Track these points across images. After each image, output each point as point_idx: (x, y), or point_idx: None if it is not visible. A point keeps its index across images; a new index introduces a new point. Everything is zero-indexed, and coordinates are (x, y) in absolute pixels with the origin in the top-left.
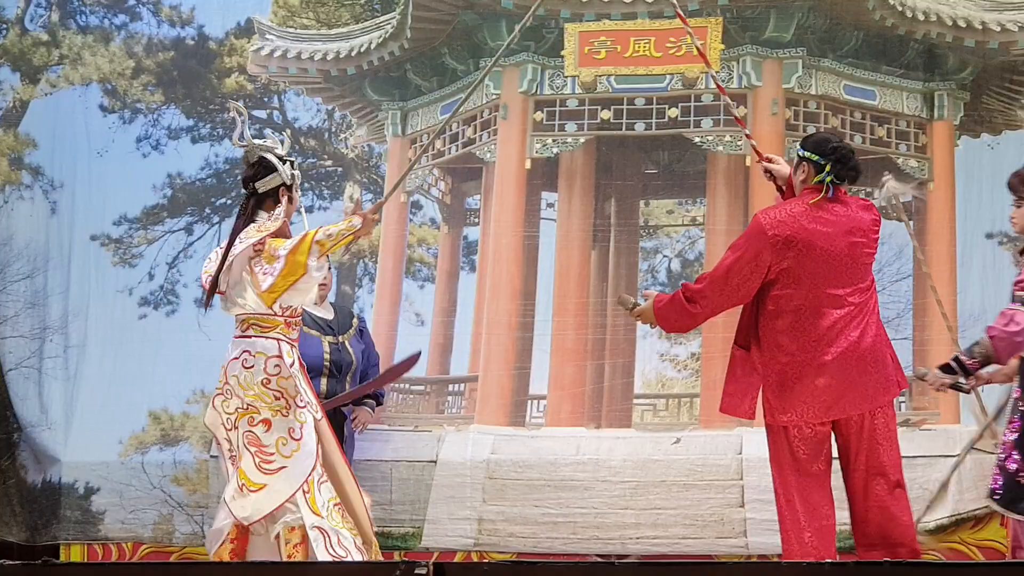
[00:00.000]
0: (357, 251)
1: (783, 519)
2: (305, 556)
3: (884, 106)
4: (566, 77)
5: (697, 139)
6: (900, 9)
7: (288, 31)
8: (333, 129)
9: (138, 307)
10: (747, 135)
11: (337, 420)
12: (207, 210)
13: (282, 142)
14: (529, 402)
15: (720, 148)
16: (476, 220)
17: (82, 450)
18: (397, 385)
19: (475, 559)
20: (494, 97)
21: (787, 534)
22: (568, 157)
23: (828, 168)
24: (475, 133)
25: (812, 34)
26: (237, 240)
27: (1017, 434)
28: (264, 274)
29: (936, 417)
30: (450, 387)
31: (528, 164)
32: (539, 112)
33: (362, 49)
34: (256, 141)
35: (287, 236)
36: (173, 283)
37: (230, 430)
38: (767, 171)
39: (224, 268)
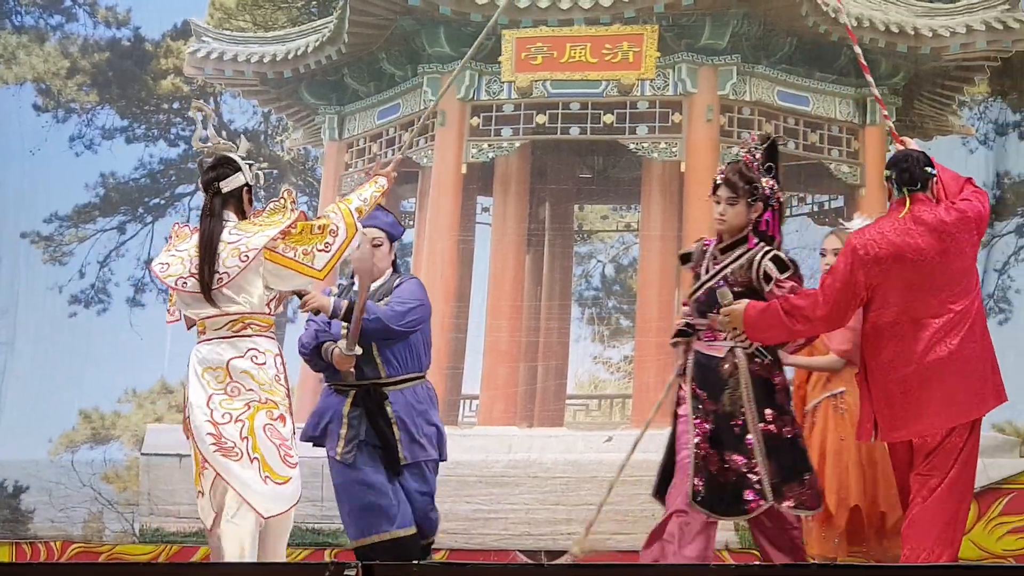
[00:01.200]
0: None
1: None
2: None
3: (817, 112)
4: (503, 82)
5: (632, 145)
6: (833, 15)
7: (224, 33)
8: (269, 132)
9: (68, 305)
10: (883, 113)
11: None
12: (140, 210)
13: (237, 145)
14: (462, 402)
15: (655, 155)
16: (411, 223)
17: (10, 448)
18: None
19: None
20: (431, 103)
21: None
22: (504, 162)
23: (894, 177)
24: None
25: (746, 41)
26: (227, 240)
27: (701, 436)
28: (317, 252)
29: None
30: None
31: (464, 169)
32: (475, 117)
33: (299, 52)
34: (222, 142)
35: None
36: (104, 282)
37: (223, 424)
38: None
39: (213, 269)
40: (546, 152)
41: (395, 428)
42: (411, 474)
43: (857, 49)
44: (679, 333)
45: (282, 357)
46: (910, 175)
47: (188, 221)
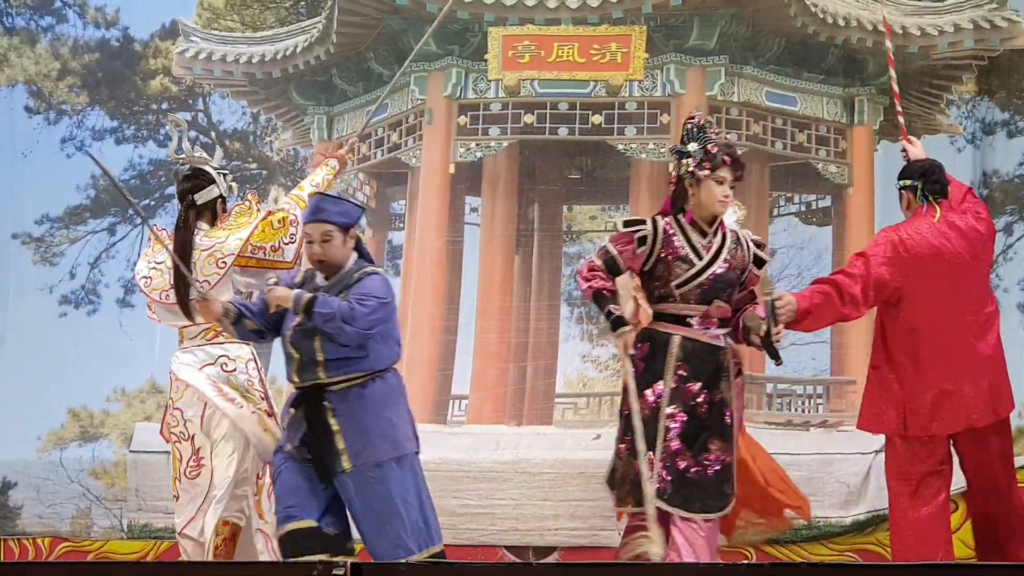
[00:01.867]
0: None
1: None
2: (230, 555)
3: (805, 112)
4: (490, 81)
5: (620, 146)
6: (821, 16)
7: (213, 33)
8: (258, 132)
9: (59, 305)
10: (898, 113)
11: None
12: (130, 211)
13: (213, 154)
14: (451, 402)
15: (643, 156)
16: (401, 225)
17: None
18: None
19: None
20: (419, 102)
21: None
22: (492, 161)
23: (921, 187)
24: (400, 138)
25: (735, 42)
26: (201, 246)
27: (680, 426)
28: (284, 245)
29: (854, 419)
30: None
31: (452, 168)
32: (463, 116)
33: (287, 53)
34: (196, 155)
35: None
36: (95, 283)
37: (195, 434)
38: (903, 150)
39: (188, 283)
40: (534, 152)
41: (337, 438)
42: (362, 477)
43: (888, 44)
44: (620, 322)
45: (256, 361)
46: (940, 185)
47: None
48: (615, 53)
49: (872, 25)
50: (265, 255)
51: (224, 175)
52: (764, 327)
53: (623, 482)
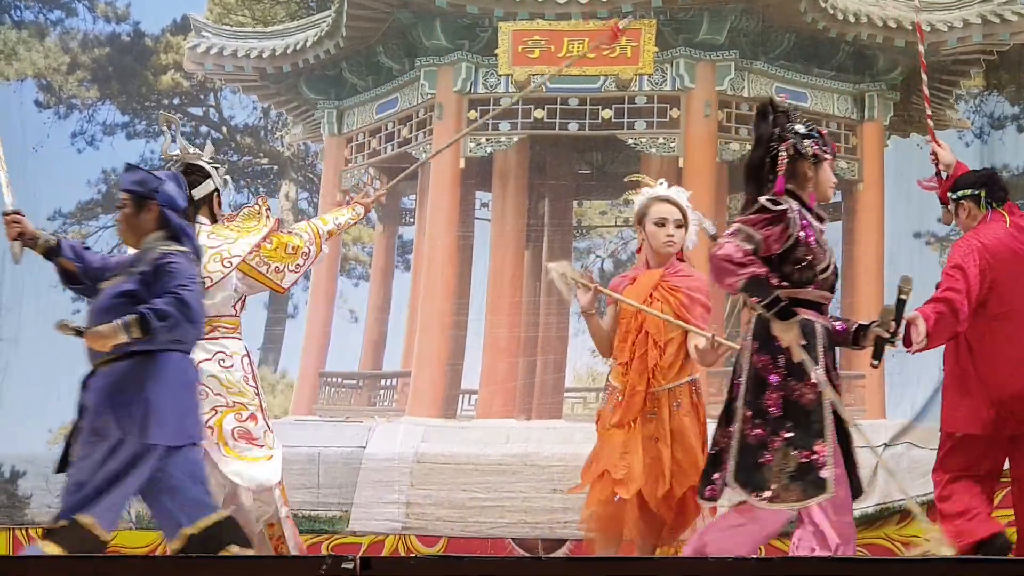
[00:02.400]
0: None
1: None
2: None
3: (815, 108)
4: (500, 76)
5: (630, 140)
6: (831, 12)
7: (224, 28)
8: (269, 127)
9: (72, 302)
10: (928, 113)
11: None
12: None
13: (202, 147)
14: (461, 396)
15: (653, 150)
16: (411, 220)
17: (10, 441)
18: (329, 379)
19: (401, 550)
20: (429, 97)
21: None
22: (502, 156)
23: (984, 195)
24: (411, 133)
25: (745, 37)
26: (208, 244)
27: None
28: (288, 271)
29: (863, 413)
30: (382, 382)
31: (462, 163)
32: (473, 111)
33: (297, 47)
34: (191, 150)
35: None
36: None
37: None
38: (933, 153)
39: None
40: (544, 147)
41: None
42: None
43: (921, 47)
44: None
45: (250, 357)
46: (1003, 192)
47: None
48: (625, 47)
49: (882, 21)
50: (268, 272)
51: (217, 168)
52: (890, 326)
53: (780, 475)
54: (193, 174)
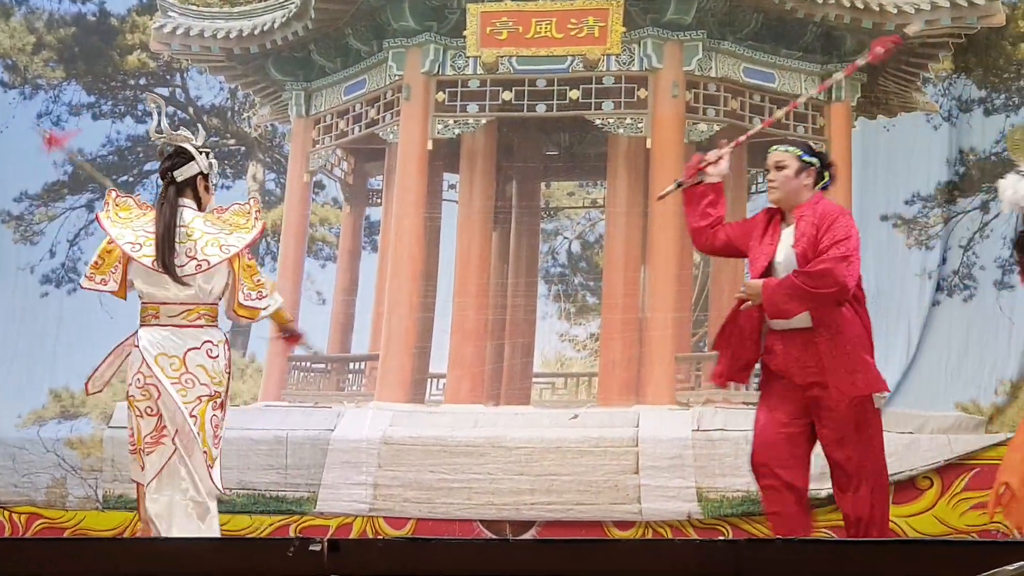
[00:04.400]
0: None
1: None
2: None
3: (783, 88)
4: (468, 58)
5: (598, 121)
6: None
7: (191, 8)
8: (236, 108)
9: (40, 285)
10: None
11: None
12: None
13: (196, 134)
14: (429, 380)
15: (621, 130)
16: (378, 200)
17: None
18: (298, 363)
19: (370, 532)
20: (397, 78)
21: None
22: (470, 138)
23: None
24: (378, 114)
25: (712, 17)
26: (205, 229)
27: None
28: (255, 297)
29: None
30: (350, 365)
31: (430, 145)
32: (441, 93)
33: (265, 28)
34: (175, 132)
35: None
36: (75, 260)
37: (159, 416)
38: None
39: (173, 253)
40: (512, 129)
41: None
42: None
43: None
44: None
45: (228, 344)
46: None
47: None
48: (592, 27)
49: (849, 2)
50: (236, 279)
51: (205, 153)
52: None
53: None
54: (178, 156)
